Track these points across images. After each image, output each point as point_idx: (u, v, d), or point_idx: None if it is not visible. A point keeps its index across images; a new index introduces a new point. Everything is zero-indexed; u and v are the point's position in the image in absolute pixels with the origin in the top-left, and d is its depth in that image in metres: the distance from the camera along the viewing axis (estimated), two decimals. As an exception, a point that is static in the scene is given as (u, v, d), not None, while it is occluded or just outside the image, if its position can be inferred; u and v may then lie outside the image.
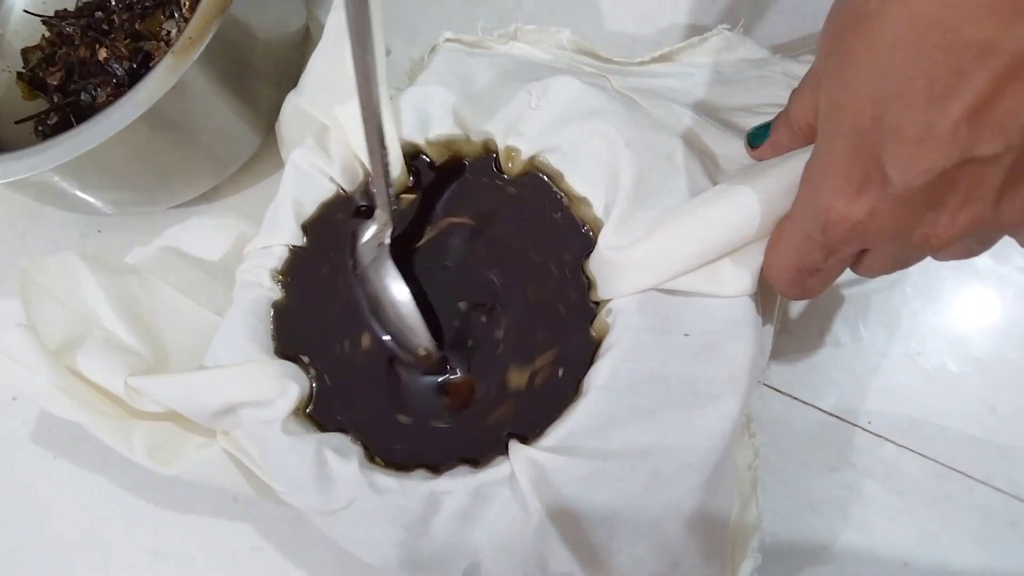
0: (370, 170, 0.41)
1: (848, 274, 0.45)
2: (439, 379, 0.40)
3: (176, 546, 0.46)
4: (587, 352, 0.38)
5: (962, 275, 0.46)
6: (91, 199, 0.46)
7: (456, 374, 0.39)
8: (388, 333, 0.40)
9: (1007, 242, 0.31)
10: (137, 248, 0.52)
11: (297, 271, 0.42)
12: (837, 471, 0.43)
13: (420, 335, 0.39)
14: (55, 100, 0.51)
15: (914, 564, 0.42)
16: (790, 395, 0.45)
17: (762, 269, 0.35)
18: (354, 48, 0.31)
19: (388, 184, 0.38)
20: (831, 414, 0.44)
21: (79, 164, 0.41)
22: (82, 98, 0.51)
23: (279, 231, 0.41)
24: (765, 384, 0.45)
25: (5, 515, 0.48)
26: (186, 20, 0.46)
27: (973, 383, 0.44)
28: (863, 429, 0.44)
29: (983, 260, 0.46)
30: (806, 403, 0.45)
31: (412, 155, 0.42)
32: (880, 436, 0.44)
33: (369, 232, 0.39)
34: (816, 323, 0.46)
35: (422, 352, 0.39)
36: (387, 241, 0.40)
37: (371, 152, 0.36)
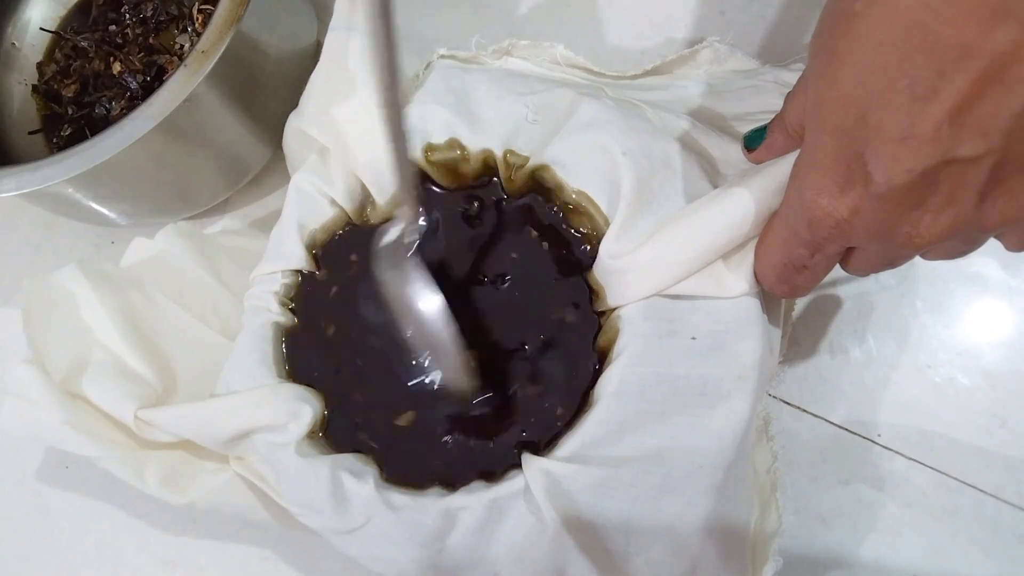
0: (368, 185, 0.41)
1: (857, 285, 0.46)
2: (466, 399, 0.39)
3: (186, 556, 0.46)
4: (596, 361, 0.38)
5: (972, 287, 0.46)
6: (104, 210, 0.47)
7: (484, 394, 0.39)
8: (413, 339, 0.39)
9: (1017, 255, 0.31)
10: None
11: (304, 295, 0.42)
12: (847, 484, 0.43)
13: (446, 335, 0.36)
14: (69, 112, 0.52)
15: (924, 577, 0.42)
16: (800, 407, 0.45)
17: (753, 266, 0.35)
18: (376, 44, 0.30)
19: (413, 178, 0.36)
20: (841, 427, 0.44)
21: (93, 176, 0.41)
22: (96, 111, 0.51)
23: (284, 256, 0.42)
24: (774, 396, 0.45)
25: (17, 523, 0.48)
26: (199, 34, 0.46)
27: (983, 396, 0.44)
28: (873, 442, 0.44)
29: (994, 272, 0.46)
30: (816, 415, 0.44)
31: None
32: (890, 449, 0.44)
33: (392, 233, 0.38)
34: (825, 335, 0.46)
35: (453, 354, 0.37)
36: (416, 239, 0.38)
37: (393, 142, 0.34)
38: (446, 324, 0.36)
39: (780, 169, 0.33)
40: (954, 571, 0.42)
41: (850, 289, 0.46)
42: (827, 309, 0.46)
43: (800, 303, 0.46)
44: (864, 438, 0.44)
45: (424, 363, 0.40)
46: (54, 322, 0.41)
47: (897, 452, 0.43)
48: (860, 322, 0.46)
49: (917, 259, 0.46)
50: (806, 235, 0.30)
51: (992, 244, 0.31)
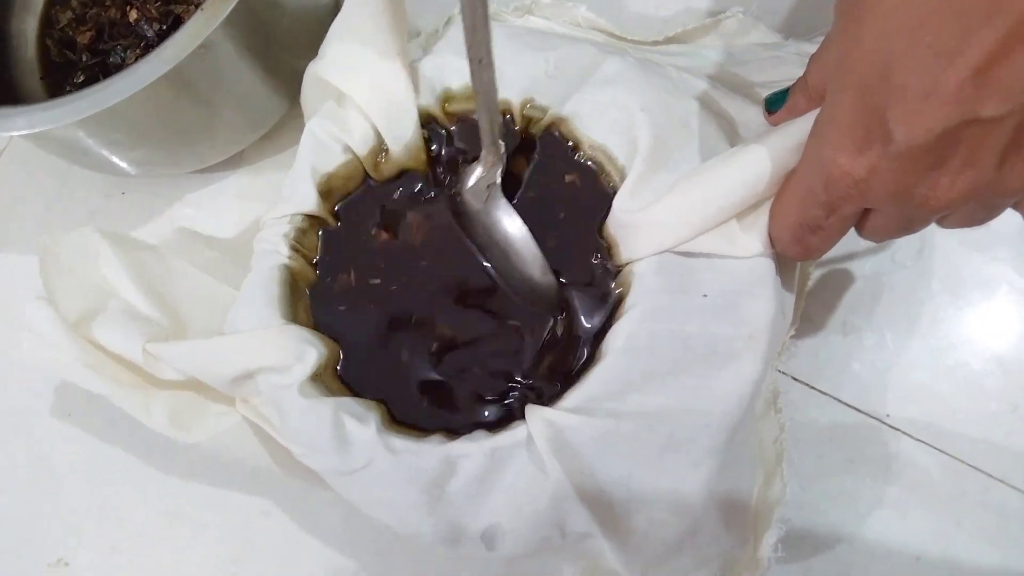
0: (382, 133, 0.41)
1: (873, 265, 0.45)
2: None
3: (188, 511, 0.46)
4: (606, 315, 0.38)
5: (989, 273, 0.45)
6: (115, 158, 0.46)
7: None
8: (500, 272, 0.40)
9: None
10: (156, 219, 0.52)
11: (317, 239, 0.42)
12: (853, 463, 0.43)
13: (537, 265, 0.39)
14: (84, 59, 0.51)
15: (927, 559, 0.41)
16: (809, 384, 0.44)
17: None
18: None
19: (496, 122, 0.37)
20: (849, 405, 0.44)
21: (104, 119, 0.41)
22: (110, 59, 0.51)
23: (296, 199, 0.41)
24: (784, 372, 0.44)
25: (21, 481, 0.48)
26: (217, -17, 0.46)
27: (995, 382, 0.44)
28: (881, 422, 0.43)
29: (1010, 258, 0.45)
30: (825, 393, 0.44)
31: (428, 124, 0.42)
32: (898, 430, 0.43)
33: (474, 176, 0.39)
34: (839, 314, 0.45)
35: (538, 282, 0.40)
36: (498, 180, 0.39)
37: (475, 89, 0.35)
38: (534, 245, 0.39)
39: (799, 128, 0.32)
40: (957, 555, 0.41)
41: (866, 268, 0.46)
42: (841, 287, 0.46)
43: (814, 279, 0.45)
44: (872, 418, 0.44)
45: (525, 277, 0.40)
46: (69, 275, 0.42)
47: (905, 433, 0.43)
48: (874, 302, 0.45)
49: (936, 240, 0.45)
50: (822, 195, 0.30)
51: (1010, 236, 0.30)
